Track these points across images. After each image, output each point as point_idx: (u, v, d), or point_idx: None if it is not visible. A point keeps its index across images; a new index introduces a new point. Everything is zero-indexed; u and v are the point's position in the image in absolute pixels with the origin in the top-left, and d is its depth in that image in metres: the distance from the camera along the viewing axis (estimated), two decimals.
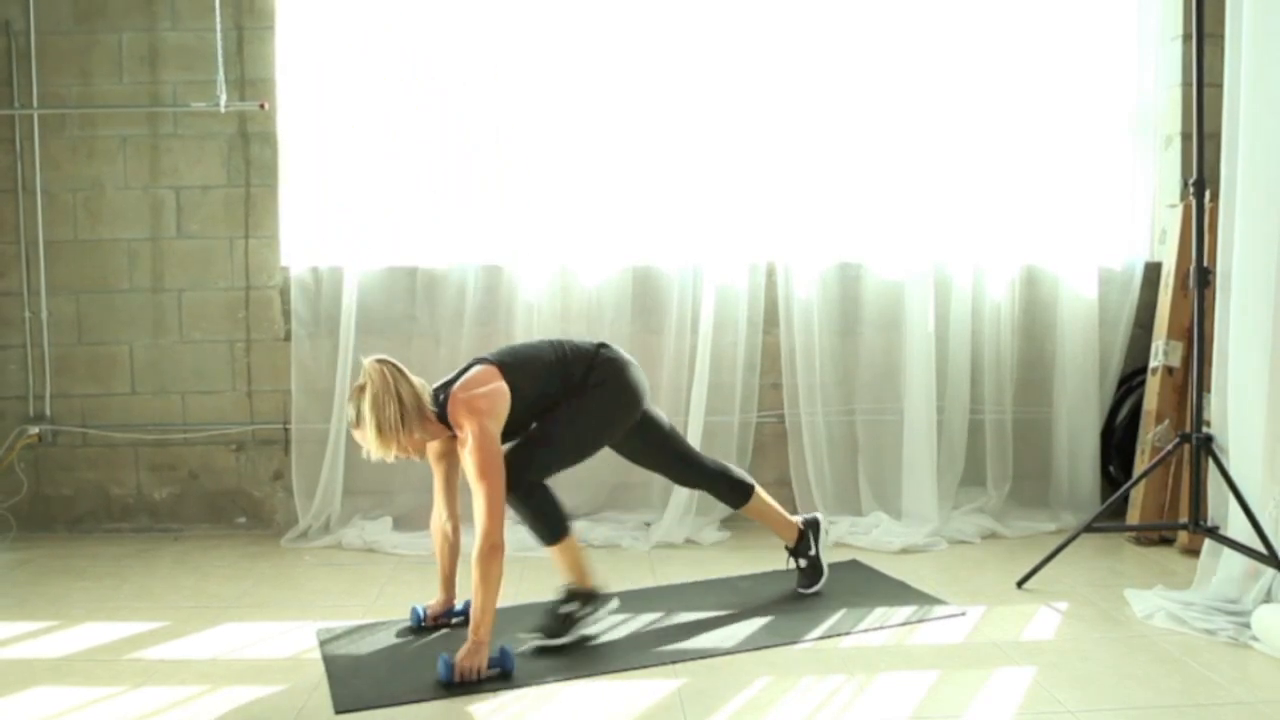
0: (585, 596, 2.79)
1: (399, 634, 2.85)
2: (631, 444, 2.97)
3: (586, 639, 2.75)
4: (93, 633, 2.90)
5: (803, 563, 3.16)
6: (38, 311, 3.93)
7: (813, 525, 3.18)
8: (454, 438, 2.71)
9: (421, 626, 2.88)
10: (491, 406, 2.62)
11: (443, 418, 2.66)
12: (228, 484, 3.99)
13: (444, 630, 2.87)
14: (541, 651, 2.69)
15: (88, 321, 3.96)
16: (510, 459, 2.67)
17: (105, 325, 3.96)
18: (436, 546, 2.91)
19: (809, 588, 3.13)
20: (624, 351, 2.91)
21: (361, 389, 2.60)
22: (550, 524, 2.73)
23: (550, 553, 2.78)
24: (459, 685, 2.48)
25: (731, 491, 3.08)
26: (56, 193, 3.92)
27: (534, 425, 2.77)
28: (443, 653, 2.55)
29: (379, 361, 2.61)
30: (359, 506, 3.92)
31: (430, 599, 2.95)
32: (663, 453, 3.00)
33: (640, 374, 2.90)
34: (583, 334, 3.89)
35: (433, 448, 2.80)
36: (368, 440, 2.61)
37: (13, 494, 3.92)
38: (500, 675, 2.53)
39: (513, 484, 2.65)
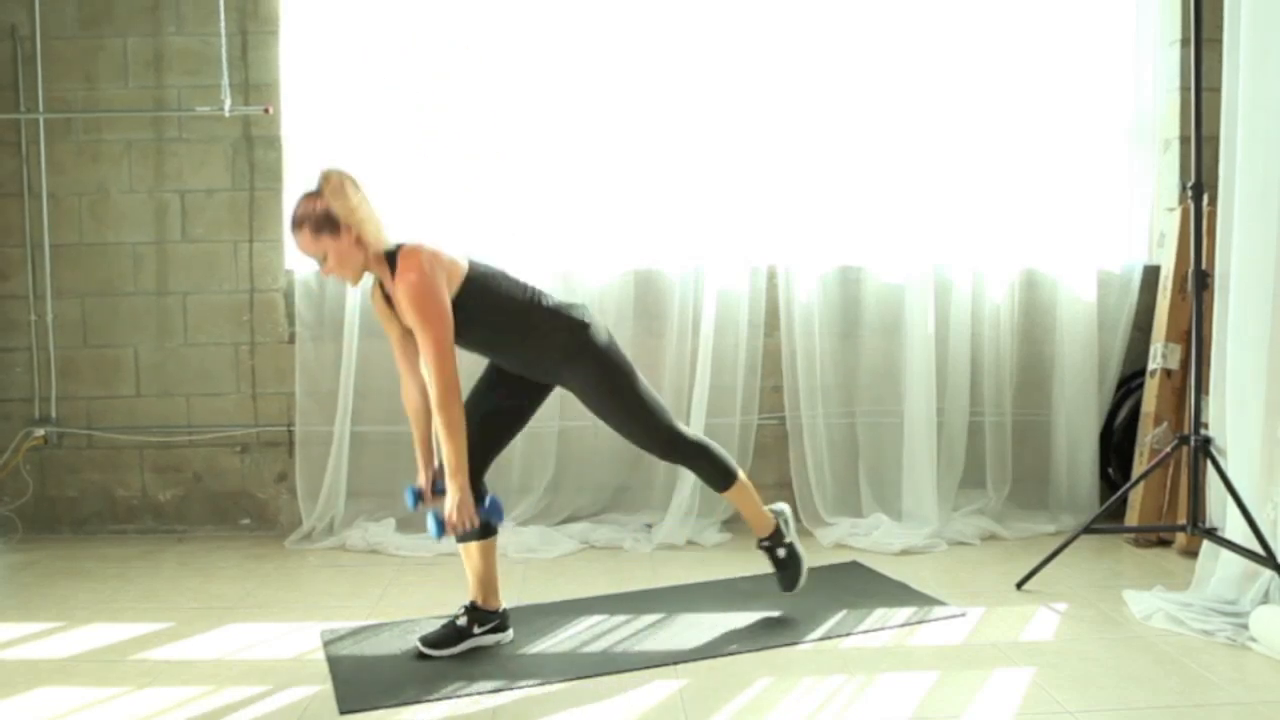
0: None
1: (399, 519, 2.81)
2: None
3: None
4: (98, 634, 2.92)
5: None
6: (43, 314, 3.95)
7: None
8: (390, 305, 2.64)
9: (419, 503, 2.75)
10: (446, 270, 2.55)
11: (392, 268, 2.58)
12: (232, 486, 4.01)
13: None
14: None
15: (93, 324, 3.98)
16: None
17: (110, 328, 3.98)
18: (412, 419, 2.75)
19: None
20: (587, 315, 2.76)
21: (326, 178, 2.55)
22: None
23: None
24: (452, 538, 2.54)
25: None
26: (62, 196, 3.95)
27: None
28: (431, 509, 2.55)
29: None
30: (363, 508, 3.93)
31: (432, 598, 2.96)
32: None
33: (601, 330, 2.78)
34: None
35: (395, 334, 2.70)
36: (305, 234, 2.54)
37: (18, 496, 3.94)
38: (486, 525, 2.58)
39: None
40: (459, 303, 2.57)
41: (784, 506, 3.05)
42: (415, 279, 2.50)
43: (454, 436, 2.49)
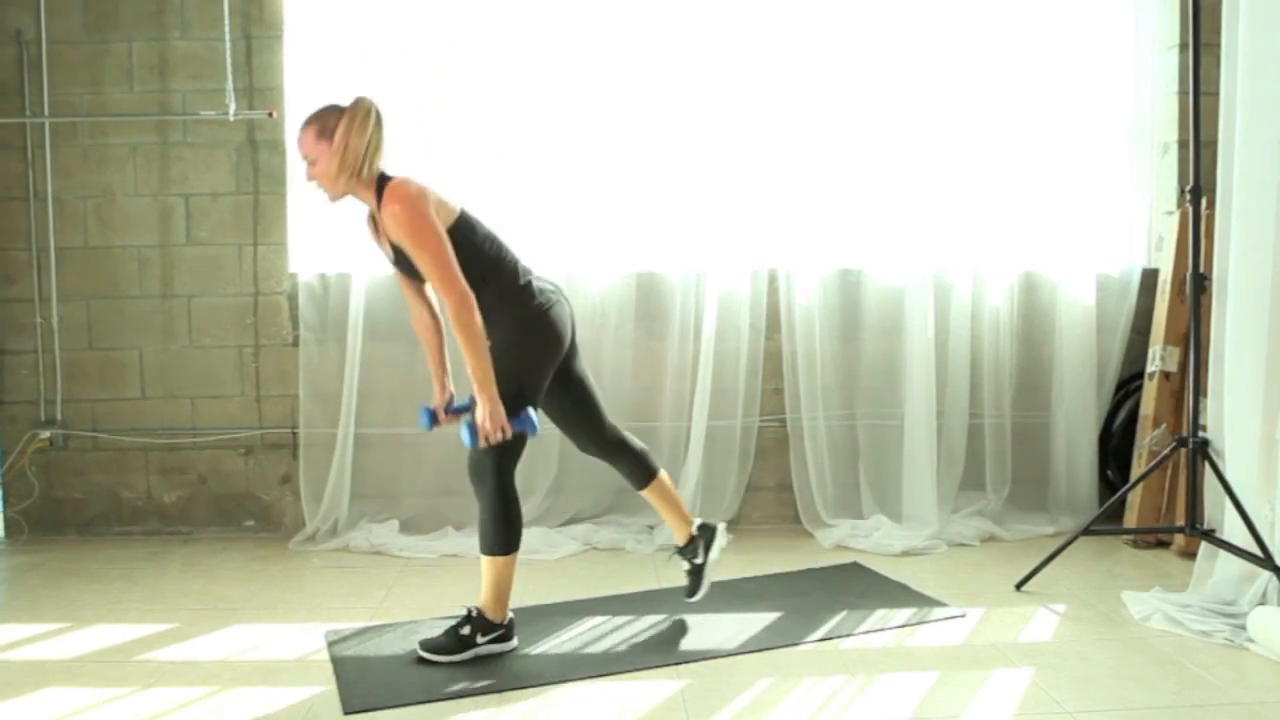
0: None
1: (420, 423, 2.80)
2: (557, 399, 2.85)
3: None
4: (103, 634, 2.94)
5: (686, 566, 3.04)
6: (49, 317, 3.97)
7: (707, 533, 3.02)
8: (376, 224, 2.69)
9: (434, 424, 2.79)
10: (434, 204, 2.58)
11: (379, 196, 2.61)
12: (236, 488, 4.04)
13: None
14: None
15: (98, 327, 4.00)
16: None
17: (115, 331, 4.00)
18: (424, 340, 2.82)
19: (690, 596, 3.01)
20: (549, 285, 2.81)
21: (356, 103, 2.60)
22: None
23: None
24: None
25: (633, 471, 2.96)
26: (67, 200, 3.97)
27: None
28: (466, 418, 2.54)
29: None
30: (366, 510, 3.95)
31: (435, 600, 2.97)
32: (583, 415, 2.88)
33: (567, 310, 2.81)
34: (586, 340, 3.91)
35: (390, 261, 2.72)
36: (310, 133, 2.59)
37: (24, 497, 3.97)
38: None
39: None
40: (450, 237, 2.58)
41: (718, 528, 3.04)
42: (399, 209, 2.53)
43: (475, 348, 2.50)
